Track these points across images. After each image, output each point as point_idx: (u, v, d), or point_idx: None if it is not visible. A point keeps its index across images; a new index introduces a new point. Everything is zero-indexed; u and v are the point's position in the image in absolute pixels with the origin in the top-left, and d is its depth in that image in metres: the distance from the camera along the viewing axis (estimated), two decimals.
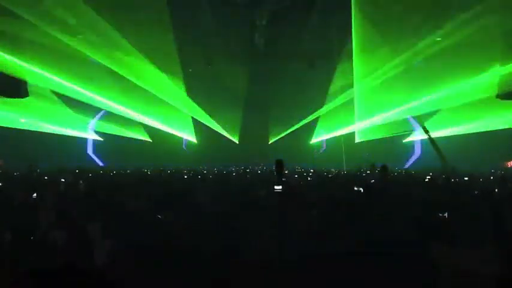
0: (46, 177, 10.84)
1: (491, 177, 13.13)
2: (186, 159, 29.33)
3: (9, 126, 20.67)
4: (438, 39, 17.74)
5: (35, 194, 5.77)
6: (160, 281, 2.66)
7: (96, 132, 29.19)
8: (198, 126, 32.98)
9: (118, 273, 2.74)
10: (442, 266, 2.88)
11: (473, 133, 21.88)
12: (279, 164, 6.37)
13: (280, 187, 6.35)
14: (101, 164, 29.62)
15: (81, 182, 9.73)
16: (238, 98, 29.08)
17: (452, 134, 22.63)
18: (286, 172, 17.56)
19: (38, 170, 16.04)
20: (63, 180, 10.16)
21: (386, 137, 28.29)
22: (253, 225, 4.22)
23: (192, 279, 2.75)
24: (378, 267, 2.90)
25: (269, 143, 39.30)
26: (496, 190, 7.34)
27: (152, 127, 29.56)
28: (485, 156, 20.71)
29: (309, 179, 12.29)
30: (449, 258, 2.88)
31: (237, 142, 37.73)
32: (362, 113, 26.80)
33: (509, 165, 21.80)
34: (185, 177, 13.00)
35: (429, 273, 2.95)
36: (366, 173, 15.98)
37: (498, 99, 16.71)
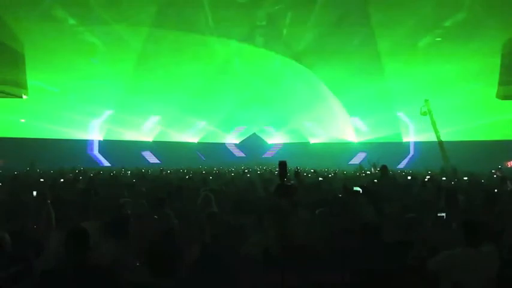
0: (42, 179, 10.82)
1: (498, 175, 13.13)
2: (186, 159, 29.23)
3: None
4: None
5: (35, 193, 5.76)
6: (160, 280, 2.66)
7: None
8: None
9: (118, 273, 2.73)
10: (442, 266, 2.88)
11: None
12: (283, 165, 6.33)
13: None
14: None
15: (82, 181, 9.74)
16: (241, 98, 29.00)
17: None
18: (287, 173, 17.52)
19: (38, 170, 16.07)
20: (62, 180, 10.18)
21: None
22: (254, 225, 4.22)
23: (193, 279, 2.75)
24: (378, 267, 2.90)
25: (269, 143, 39.35)
26: (496, 190, 7.34)
27: None
28: (488, 156, 20.75)
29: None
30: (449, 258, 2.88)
31: (237, 142, 37.78)
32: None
33: (510, 165, 21.78)
34: (186, 177, 12.99)
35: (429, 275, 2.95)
36: (366, 173, 15.99)
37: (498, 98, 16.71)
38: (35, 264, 2.94)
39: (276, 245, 3.28)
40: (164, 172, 16.76)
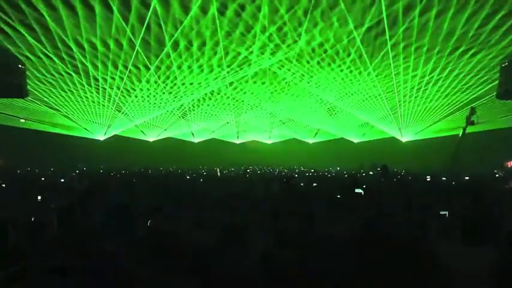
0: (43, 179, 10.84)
1: (500, 175, 13.12)
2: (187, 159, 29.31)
3: None
4: None
5: (39, 197, 5.78)
6: (161, 279, 2.66)
7: None
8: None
9: (119, 272, 2.74)
10: (442, 265, 2.88)
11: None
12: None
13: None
14: None
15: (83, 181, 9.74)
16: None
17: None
18: (286, 171, 17.54)
19: (37, 170, 16.10)
20: (62, 180, 10.19)
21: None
22: (253, 225, 4.21)
23: (194, 278, 2.75)
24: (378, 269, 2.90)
25: (269, 143, 39.35)
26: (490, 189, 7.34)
27: None
28: (492, 156, 20.69)
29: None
30: (449, 258, 2.88)
31: (237, 143, 37.79)
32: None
33: (510, 165, 21.78)
34: (187, 177, 12.99)
35: (430, 274, 2.94)
36: (367, 173, 16.00)
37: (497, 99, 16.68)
38: (34, 264, 2.95)
39: (276, 245, 3.28)
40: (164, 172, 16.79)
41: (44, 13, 13.81)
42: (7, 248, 3.09)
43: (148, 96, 23.35)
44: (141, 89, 22.10)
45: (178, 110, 27.55)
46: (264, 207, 5.03)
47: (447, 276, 2.75)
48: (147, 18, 14.92)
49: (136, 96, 23.07)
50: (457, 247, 2.95)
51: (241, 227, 3.61)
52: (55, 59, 16.89)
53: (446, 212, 4.65)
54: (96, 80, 19.75)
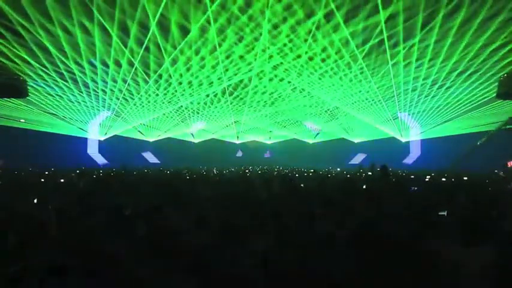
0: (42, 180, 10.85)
1: (501, 175, 13.09)
2: (187, 159, 29.37)
3: None
4: None
5: (39, 198, 5.78)
6: (161, 279, 2.66)
7: None
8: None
9: (119, 272, 2.74)
10: (442, 265, 2.88)
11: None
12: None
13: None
14: None
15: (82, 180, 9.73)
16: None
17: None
18: (287, 171, 17.57)
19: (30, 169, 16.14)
20: (62, 180, 10.19)
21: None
22: (253, 225, 4.21)
23: (194, 278, 2.75)
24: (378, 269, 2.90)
25: (269, 143, 39.37)
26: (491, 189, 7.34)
27: None
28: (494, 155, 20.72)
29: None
30: (449, 257, 2.88)
31: (237, 143, 37.80)
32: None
33: (510, 165, 21.77)
34: (187, 177, 12.98)
35: (429, 273, 2.94)
36: (367, 173, 15.98)
37: (498, 99, 16.78)
38: (34, 264, 2.95)
39: (276, 245, 3.28)
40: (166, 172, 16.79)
41: (45, 40, 14.17)
42: (7, 248, 3.10)
43: (147, 103, 23.68)
44: (140, 98, 22.44)
45: (178, 115, 27.84)
46: (264, 207, 5.02)
47: (447, 276, 2.75)
48: (146, 40, 15.16)
49: (135, 104, 23.48)
50: (457, 247, 2.95)
51: (241, 227, 3.61)
52: (55, 75, 17.41)
53: (445, 213, 4.65)
54: (96, 91, 20.23)
